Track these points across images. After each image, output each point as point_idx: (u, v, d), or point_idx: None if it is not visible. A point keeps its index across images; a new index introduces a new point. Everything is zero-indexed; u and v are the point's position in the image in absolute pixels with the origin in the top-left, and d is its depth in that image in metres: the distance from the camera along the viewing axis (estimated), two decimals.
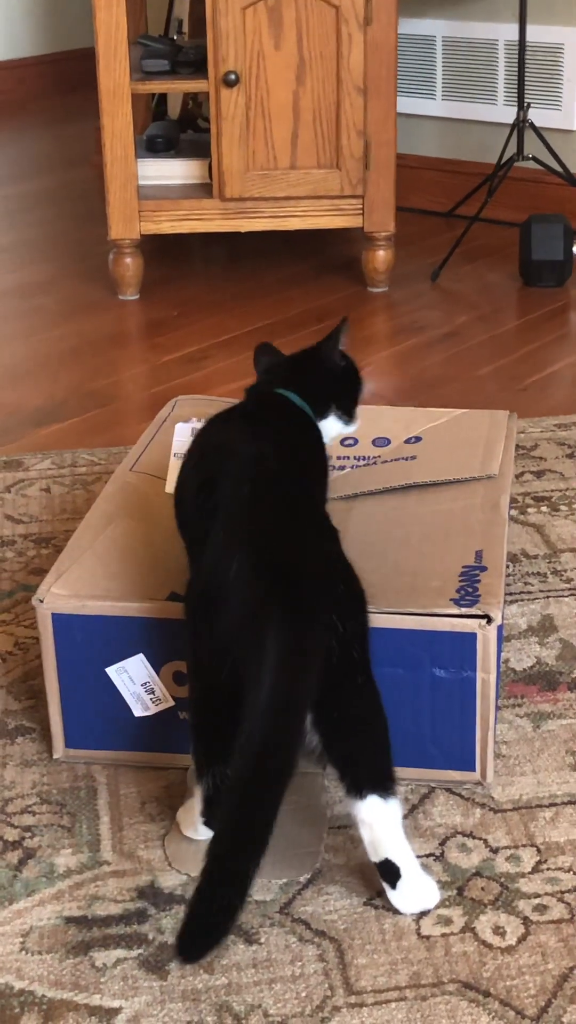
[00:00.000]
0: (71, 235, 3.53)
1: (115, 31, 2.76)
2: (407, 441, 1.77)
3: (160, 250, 3.19)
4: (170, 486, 1.64)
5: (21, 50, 5.45)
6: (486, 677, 1.39)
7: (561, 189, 3.15)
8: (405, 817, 1.40)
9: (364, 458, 1.74)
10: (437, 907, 1.29)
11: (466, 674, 1.39)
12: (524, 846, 1.36)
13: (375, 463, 1.72)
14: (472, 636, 1.37)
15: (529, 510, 2.01)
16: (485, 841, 1.37)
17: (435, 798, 1.43)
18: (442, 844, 1.37)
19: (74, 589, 1.44)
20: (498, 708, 1.52)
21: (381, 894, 1.30)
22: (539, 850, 1.35)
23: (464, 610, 1.38)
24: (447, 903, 1.29)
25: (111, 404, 2.50)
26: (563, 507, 2.02)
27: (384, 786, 1.25)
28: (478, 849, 1.36)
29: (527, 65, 3.05)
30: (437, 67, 3.47)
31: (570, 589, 1.80)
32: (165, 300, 3.00)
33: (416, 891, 1.28)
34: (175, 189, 2.97)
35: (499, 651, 1.43)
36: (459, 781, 1.44)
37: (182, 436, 1.74)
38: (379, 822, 1.25)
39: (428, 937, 1.26)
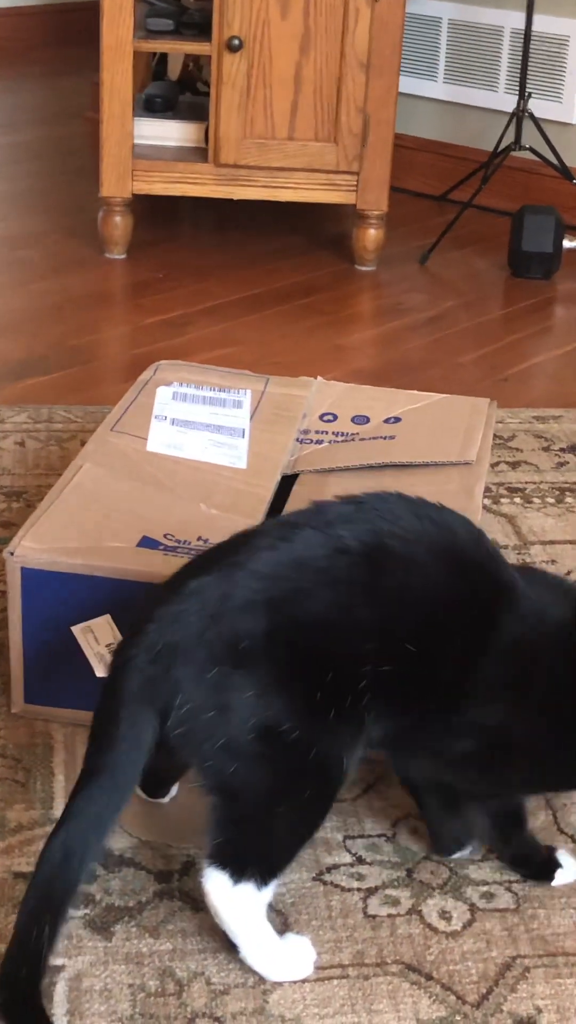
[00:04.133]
0: (61, 190, 3.49)
1: None
2: (386, 421, 1.76)
3: (150, 211, 3.17)
4: (151, 445, 1.64)
5: None
6: None
7: (555, 181, 3.14)
8: (359, 796, 1.40)
9: (343, 434, 1.73)
10: (385, 887, 1.29)
11: None
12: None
13: (353, 440, 1.72)
14: None
15: (502, 500, 2.01)
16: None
17: (390, 779, 1.43)
18: (394, 825, 1.37)
19: (46, 543, 1.43)
20: None
21: (330, 870, 1.30)
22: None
23: None
24: (396, 884, 1.30)
25: (91, 363, 2.48)
26: (536, 499, 2.02)
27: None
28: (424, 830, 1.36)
29: (531, 55, 3.04)
30: (441, 49, 3.45)
31: None
32: (152, 262, 2.98)
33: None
34: (170, 151, 2.94)
35: None
36: None
37: (164, 399, 1.73)
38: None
39: (374, 917, 1.26)
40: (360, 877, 1.30)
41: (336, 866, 1.31)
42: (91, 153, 3.40)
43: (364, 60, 2.79)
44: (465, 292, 2.93)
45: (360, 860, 1.32)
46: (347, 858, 1.33)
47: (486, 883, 1.30)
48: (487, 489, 1.99)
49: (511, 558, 1.85)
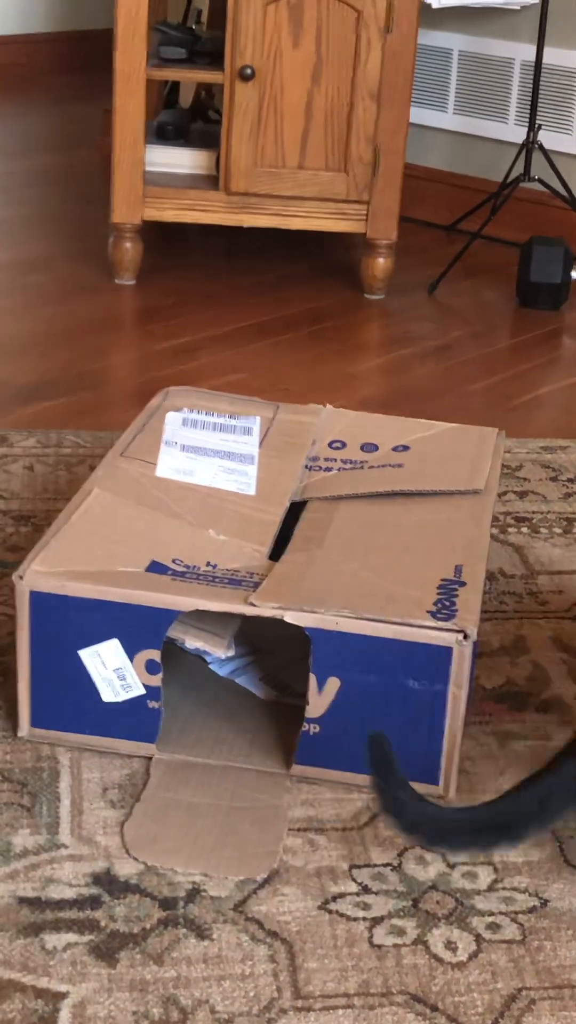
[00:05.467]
0: (71, 215, 3.51)
1: (135, 15, 2.75)
2: (395, 449, 1.77)
3: (160, 238, 3.18)
4: (161, 471, 1.64)
5: (36, 25, 5.42)
6: (457, 692, 1.39)
7: (564, 213, 3.16)
8: (365, 825, 1.40)
9: (351, 462, 1.73)
10: (391, 917, 1.29)
11: (438, 687, 1.39)
12: (481, 863, 1.36)
13: (362, 467, 1.72)
14: (448, 650, 1.37)
15: (510, 529, 2.02)
16: (443, 855, 1.37)
17: None
18: (400, 855, 1.37)
19: (54, 567, 1.43)
20: (466, 724, 1.52)
21: (336, 899, 1.30)
22: (496, 868, 1.35)
23: (441, 624, 1.38)
24: (401, 914, 1.29)
25: (100, 388, 2.49)
26: (543, 529, 2.02)
27: None
28: (436, 862, 1.36)
29: (541, 87, 3.06)
30: (451, 80, 3.48)
31: (544, 612, 1.80)
32: (161, 288, 2.99)
33: None
34: (181, 178, 2.96)
35: (472, 667, 1.43)
36: (422, 794, 1.44)
37: (173, 425, 1.73)
38: None
39: (380, 946, 1.26)
40: (366, 907, 1.30)
41: (342, 895, 1.31)
42: (102, 179, 3.42)
43: (375, 90, 2.81)
44: (474, 322, 2.94)
45: (366, 889, 1.32)
46: (353, 887, 1.32)
47: (492, 914, 1.30)
48: (495, 518, 1.99)
49: (518, 588, 1.85)
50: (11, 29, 5.34)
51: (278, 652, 1.61)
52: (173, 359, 2.63)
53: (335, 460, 1.74)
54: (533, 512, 2.07)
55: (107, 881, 1.31)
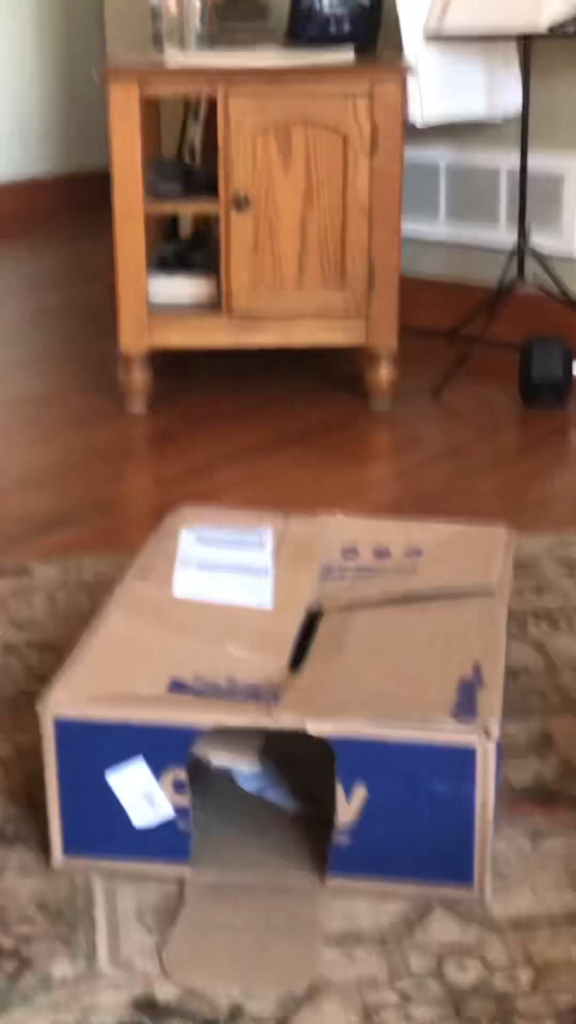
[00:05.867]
0: (82, 349, 3.60)
1: (130, 155, 2.85)
2: (408, 553, 1.79)
3: (169, 364, 3.25)
4: (177, 590, 1.66)
5: (38, 168, 5.60)
6: (485, 792, 1.40)
7: (561, 312, 3.22)
8: (403, 933, 1.39)
9: (365, 569, 1.76)
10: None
11: (465, 788, 1.39)
12: (522, 965, 1.35)
13: (375, 574, 1.74)
14: (471, 750, 1.38)
15: (529, 626, 2.03)
16: (483, 959, 1.36)
17: (433, 914, 1.42)
18: (440, 962, 1.36)
19: (77, 692, 1.45)
20: (496, 824, 1.52)
21: (378, 1011, 1.29)
22: (537, 969, 1.34)
23: (463, 723, 1.39)
24: (444, 1021, 1.28)
25: (117, 514, 2.53)
26: (563, 624, 2.03)
27: None
28: (475, 967, 1.35)
29: (528, 192, 3.14)
30: (441, 192, 3.57)
31: (570, 706, 1.80)
32: (172, 412, 3.05)
33: None
34: (184, 305, 3.03)
35: (498, 766, 1.44)
36: (457, 898, 1.43)
37: (187, 544, 1.76)
38: None
39: None
40: (408, 1017, 1.29)
41: (384, 1006, 1.30)
42: (110, 312, 3.51)
43: (366, 208, 2.89)
44: (480, 424, 2.98)
45: (407, 999, 1.31)
46: (394, 998, 1.31)
47: (536, 1016, 1.28)
48: (514, 616, 2.00)
49: (542, 684, 1.86)
50: (15, 174, 5.51)
51: (305, 764, 1.61)
52: (187, 480, 2.68)
53: (349, 568, 1.77)
54: (552, 607, 2.09)
55: (148, 1006, 1.30)
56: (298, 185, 2.88)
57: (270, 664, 1.54)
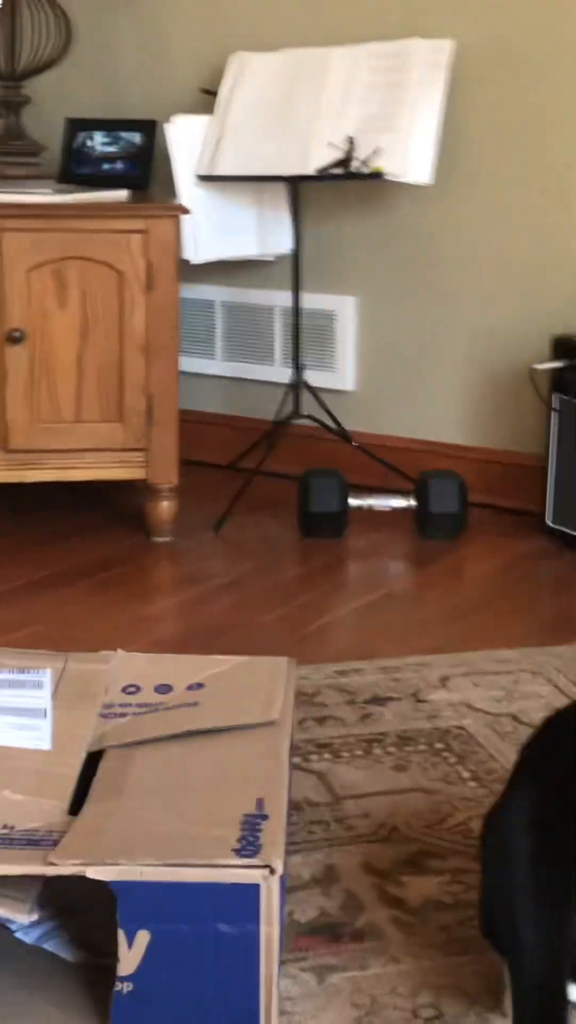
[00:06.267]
0: None
1: None
2: (189, 688, 1.77)
3: None
4: None
5: None
6: (269, 930, 1.37)
7: (336, 444, 3.30)
8: None
9: (146, 705, 1.73)
10: None
11: (250, 927, 1.37)
12: None
13: (157, 710, 1.72)
14: (255, 887, 1.36)
15: (312, 757, 2.03)
16: None
17: None
18: None
19: None
20: (282, 962, 1.49)
21: None
22: None
23: (246, 860, 1.36)
24: None
25: None
26: (345, 753, 2.04)
27: None
28: None
29: (302, 329, 3.23)
30: (217, 329, 3.64)
31: (352, 837, 1.80)
32: None
33: None
34: None
35: (282, 902, 1.42)
36: None
37: None
38: None
39: None
40: None
41: None
42: None
43: (143, 343, 2.91)
44: (260, 555, 3.01)
45: None
46: None
47: None
48: (296, 747, 2.00)
49: (324, 816, 1.85)
50: None
51: (87, 911, 1.56)
52: None
53: (130, 705, 1.74)
54: (333, 737, 2.09)
55: None
56: (74, 320, 2.89)
57: (49, 808, 1.49)
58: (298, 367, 3.18)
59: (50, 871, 1.36)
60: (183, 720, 1.68)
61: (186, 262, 3.16)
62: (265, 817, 1.45)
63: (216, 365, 3.65)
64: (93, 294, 2.89)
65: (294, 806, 1.84)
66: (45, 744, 1.62)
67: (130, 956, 1.37)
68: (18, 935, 1.55)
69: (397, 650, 2.44)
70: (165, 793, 1.52)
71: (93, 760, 1.61)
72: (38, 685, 1.74)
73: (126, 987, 1.38)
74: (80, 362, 2.91)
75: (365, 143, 3.01)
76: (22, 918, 1.41)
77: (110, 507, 3.29)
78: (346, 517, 3.10)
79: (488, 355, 3.25)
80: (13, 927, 1.55)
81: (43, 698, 1.71)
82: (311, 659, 2.38)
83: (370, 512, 3.14)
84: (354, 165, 3.00)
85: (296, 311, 3.20)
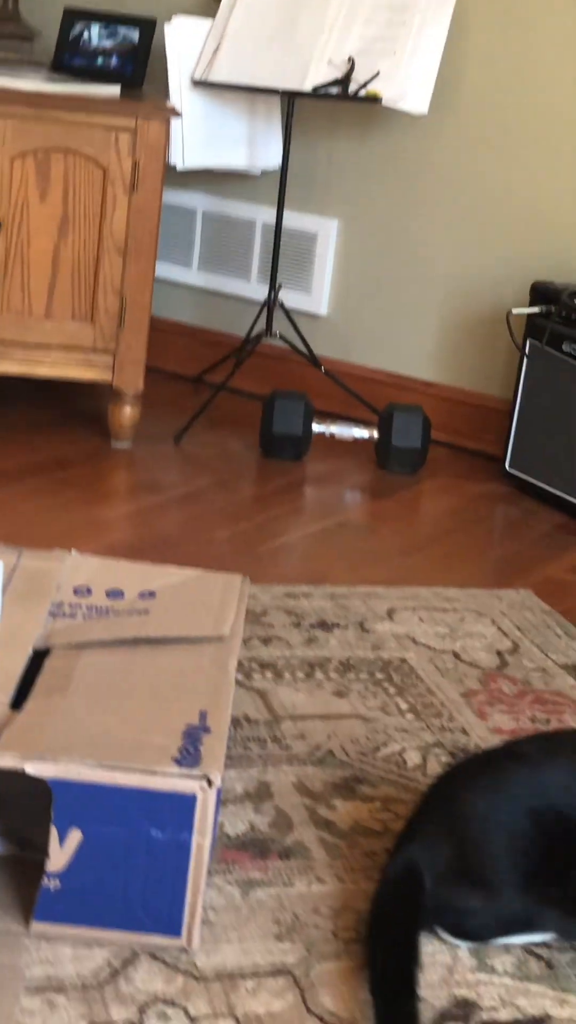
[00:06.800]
0: None
1: None
2: (141, 596, 1.77)
3: None
4: None
5: None
6: (201, 841, 1.39)
7: (304, 368, 3.28)
8: (106, 982, 1.36)
9: (97, 608, 1.73)
10: None
11: (182, 836, 1.38)
12: (223, 1016, 1.34)
13: (107, 614, 1.72)
14: (192, 798, 1.37)
15: (254, 675, 2.03)
16: (185, 1010, 1.34)
17: (138, 963, 1.39)
18: (141, 1011, 1.33)
19: None
20: (209, 873, 1.51)
21: None
22: (238, 1021, 1.34)
23: (186, 770, 1.37)
24: None
25: None
26: (287, 674, 2.05)
27: None
28: (178, 1017, 1.33)
29: (281, 248, 3.20)
30: (196, 239, 3.59)
31: (288, 756, 1.82)
32: None
33: None
34: None
35: (216, 815, 1.43)
36: (164, 946, 1.41)
37: None
38: None
39: None
40: None
41: None
42: None
43: (122, 245, 2.87)
44: (219, 471, 3.00)
45: None
46: None
47: None
48: (240, 664, 2.00)
49: (262, 733, 1.86)
50: None
51: (19, 805, 1.56)
52: None
53: (80, 606, 1.73)
54: (277, 657, 2.10)
55: None
56: (54, 214, 2.84)
57: None
58: (274, 286, 3.15)
59: None
60: (132, 627, 1.68)
61: (172, 167, 3.11)
62: (207, 730, 1.46)
63: (192, 275, 3.61)
64: (75, 189, 2.84)
65: (233, 721, 1.85)
66: None
67: (60, 854, 1.38)
68: None
69: (347, 578, 2.45)
70: (109, 697, 1.52)
71: (39, 658, 1.61)
72: None
73: (54, 884, 1.39)
74: (56, 257, 2.86)
75: (365, 66, 2.96)
76: None
77: (72, 408, 3.26)
78: (308, 442, 3.09)
79: (467, 294, 3.24)
80: None
81: None
82: (261, 579, 2.38)
83: (332, 439, 3.13)
84: (352, 87, 2.95)
85: (278, 228, 3.16)
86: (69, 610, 1.72)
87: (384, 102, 2.94)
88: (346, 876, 1.58)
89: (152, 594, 1.78)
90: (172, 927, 1.41)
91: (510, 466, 3.04)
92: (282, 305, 3.16)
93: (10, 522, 2.54)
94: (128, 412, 3.00)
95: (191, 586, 1.82)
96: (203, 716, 1.48)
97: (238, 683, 1.97)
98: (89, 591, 1.77)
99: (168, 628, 1.68)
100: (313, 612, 2.28)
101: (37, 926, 1.41)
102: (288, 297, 3.24)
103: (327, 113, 3.31)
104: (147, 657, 1.62)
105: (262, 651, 2.12)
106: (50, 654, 1.62)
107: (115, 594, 1.77)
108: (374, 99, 2.94)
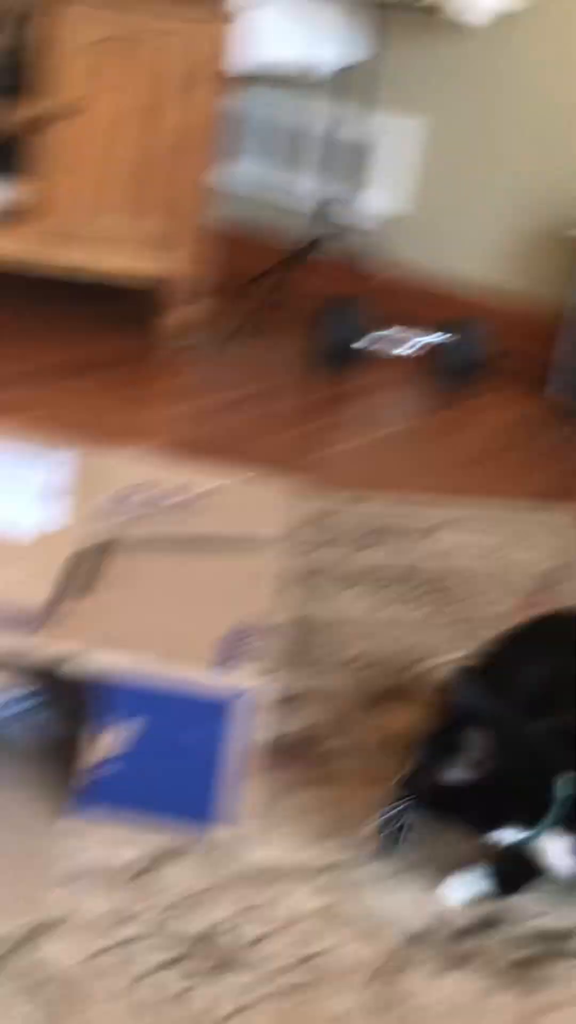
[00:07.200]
0: None
1: None
2: (191, 497, 1.77)
3: None
4: None
5: None
6: (237, 743, 1.40)
7: (361, 279, 3.23)
8: (141, 873, 1.38)
9: (150, 506, 1.73)
10: (156, 970, 1.27)
11: (218, 738, 1.39)
12: (258, 913, 1.35)
13: (161, 513, 1.72)
14: (234, 698, 1.38)
15: (303, 580, 2.03)
16: (213, 908, 1.36)
17: (172, 856, 1.41)
18: (175, 905, 1.35)
19: None
20: (248, 773, 1.52)
21: (104, 951, 1.27)
22: (264, 923, 1.35)
23: (229, 671, 1.38)
24: (167, 966, 1.27)
25: None
26: (328, 586, 2.05)
27: None
28: (212, 913, 1.35)
29: (345, 148, 3.13)
30: (258, 137, 3.52)
31: (332, 663, 1.82)
32: None
33: None
34: None
35: (258, 716, 1.43)
36: (194, 846, 1.43)
37: None
38: None
39: (141, 1002, 1.23)
40: (130, 960, 1.27)
41: (108, 948, 1.28)
42: None
43: (183, 141, 2.83)
44: (272, 376, 2.97)
45: (136, 939, 1.29)
46: (127, 932, 1.30)
47: (263, 965, 1.29)
48: (288, 568, 2.00)
49: (302, 641, 1.87)
50: None
51: (58, 695, 1.58)
52: None
53: (132, 505, 1.74)
54: (327, 563, 2.10)
55: None
56: (128, 104, 2.79)
57: (36, 591, 1.49)
58: (335, 188, 3.09)
59: (32, 653, 1.37)
60: (183, 527, 1.68)
61: (239, 61, 3.04)
62: (252, 633, 1.46)
63: (253, 174, 3.55)
64: (141, 82, 2.79)
65: (279, 626, 1.85)
66: (46, 526, 1.62)
67: (102, 743, 1.40)
68: None
69: (400, 488, 2.44)
70: (157, 595, 1.52)
71: (92, 552, 1.62)
72: (44, 469, 1.73)
73: (94, 772, 1.41)
74: (119, 149, 2.82)
75: None
76: None
77: (126, 306, 3.24)
78: (362, 351, 3.05)
79: (540, 209, 3.16)
80: None
81: (47, 482, 1.71)
82: (315, 485, 2.37)
83: (388, 350, 3.09)
84: None
85: (339, 134, 3.09)
86: (123, 507, 1.72)
87: (443, 16, 2.85)
88: (387, 779, 1.58)
89: (206, 495, 1.78)
90: (204, 825, 1.42)
91: (566, 384, 2.99)
92: (343, 208, 3.10)
93: (67, 418, 2.54)
94: (184, 311, 2.98)
95: (244, 489, 1.82)
96: (249, 619, 1.49)
97: (286, 588, 1.97)
98: (144, 490, 1.77)
99: (220, 529, 1.68)
100: (365, 520, 2.27)
101: (75, 813, 1.42)
102: (353, 201, 3.18)
103: (410, 22, 3.22)
104: (197, 557, 1.62)
105: (313, 556, 2.11)
106: (103, 549, 1.62)
107: (169, 494, 1.77)
108: (431, 11, 2.86)
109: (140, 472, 1.82)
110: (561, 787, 1.34)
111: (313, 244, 3.09)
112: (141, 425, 2.59)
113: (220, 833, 1.43)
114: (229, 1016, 1.23)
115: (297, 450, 2.59)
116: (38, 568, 1.54)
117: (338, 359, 3.04)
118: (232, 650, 1.41)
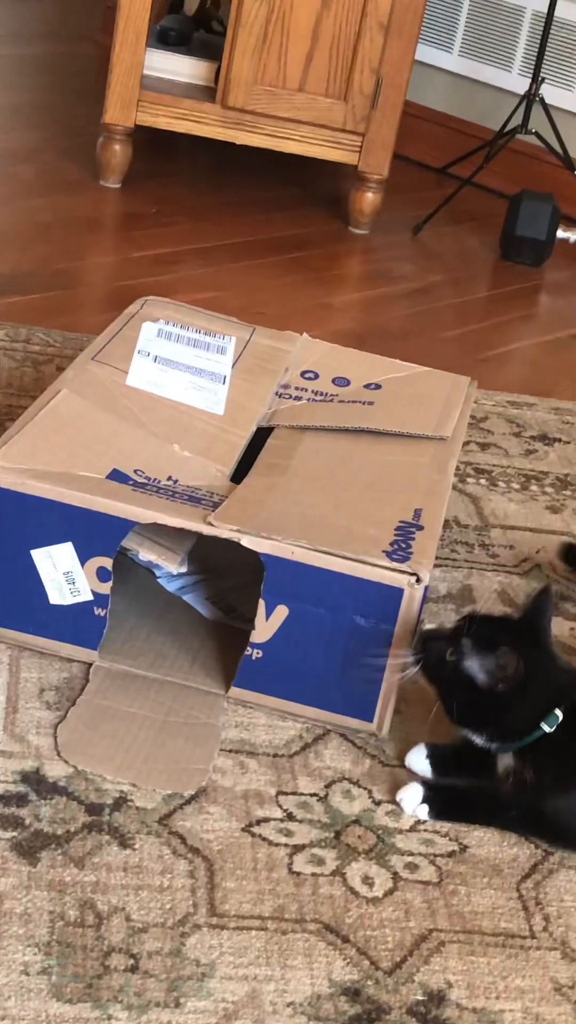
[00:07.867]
0: (62, 109, 3.44)
1: None
2: (366, 386, 1.76)
3: (150, 144, 3.12)
4: (131, 379, 1.62)
5: None
6: (403, 633, 1.40)
7: (557, 170, 3.14)
8: (296, 753, 1.41)
9: (322, 393, 1.73)
10: (312, 846, 1.30)
11: (385, 626, 1.40)
12: None
13: (332, 400, 1.71)
14: (399, 591, 1.38)
15: (468, 480, 2.02)
16: (370, 792, 1.38)
17: (328, 741, 1.44)
18: (328, 787, 1.38)
19: (16, 463, 1.42)
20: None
21: (260, 823, 1.31)
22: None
23: (396, 564, 1.38)
24: (323, 844, 1.31)
25: (74, 288, 2.46)
26: (501, 483, 2.03)
27: None
28: (361, 798, 1.37)
29: (549, 40, 3.03)
30: (460, 22, 3.43)
31: (493, 564, 1.81)
32: (146, 195, 2.95)
33: None
34: (178, 86, 2.90)
35: (420, 611, 1.44)
36: (355, 729, 1.45)
37: (148, 335, 1.72)
38: None
39: (299, 874, 1.27)
40: (288, 833, 1.31)
41: (266, 819, 1.32)
42: (96, 76, 3.36)
43: (384, 21, 2.76)
44: (454, 268, 2.93)
45: (290, 817, 1.33)
46: (278, 813, 1.33)
47: (411, 854, 1.32)
48: (456, 467, 1.99)
49: (471, 538, 1.86)
50: None
51: (228, 574, 1.61)
52: (151, 268, 2.60)
53: (306, 390, 1.74)
54: (494, 465, 2.08)
55: (35, 781, 1.31)
56: None
57: (213, 471, 1.52)
58: (537, 78, 3.00)
59: (207, 530, 1.40)
60: (356, 416, 1.68)
61: None
62: (420, 527, 1.46)
63: (452, 60, 3.46)
64: None
65: (444, 524, 1.84)
66: (219, 409, 1.64)
67: (266, 626, 1.42)
68: (162, 581, 1.61)
69: (573, 394, 2.39)
70: (328, 482, 1.53)
71: (261, 435, 1.63)
72: (222, 350, 1.74)
73: (256, 654, 1.43)
74: (316, 28, 2.77)
75: None
76: (172, 567, 1.46)
77: (313, 188, 3.21)
78: (551, 247, 2.98)
79: None
80: (159, 574, 1.61)
81: (225, 364, 1.72)
82: (486, 384, 2.34)
83: None
84: None
85: (549, 17, 2.98)
86: (295, 392, 1.72)
87: None
88: None
89: (378, 386, 1.77)
90: (365, 712, 1.44)
91: None
92: (543, 100, 3.01)
93: (243, 297, 2.54)
94: (370, 198, 2.94)
95: (417, 383, 1.80)
96: (417, 514, 1.48)
97: (453, 486, 1.96)
98: (316, 375, 1.77)
99: (391, 422, 1.67)
100: (535, 424, 2.24)
101: (237, 692, 1.46)
102: (549, 92, 3.08)
103: None
104: (367, 448, 1.62)
105: (479, 457, 2.10)
106: (273, 433, 1.63)
107: (341, 381, 1.77)
108: None
109: (314, 357, 1.82)
110: (548, 720, 1.33)
111: (513, 132, 3.00)
112: (319, 309, 2.58)
113: (377, 720, 1.44)
114: (383, 897, 1.26)
115: (472, 345, 2.55)
116: (216, 450, 1.56)
117: (527, 253, 2.97)
118: (401, 542, 1.41)
